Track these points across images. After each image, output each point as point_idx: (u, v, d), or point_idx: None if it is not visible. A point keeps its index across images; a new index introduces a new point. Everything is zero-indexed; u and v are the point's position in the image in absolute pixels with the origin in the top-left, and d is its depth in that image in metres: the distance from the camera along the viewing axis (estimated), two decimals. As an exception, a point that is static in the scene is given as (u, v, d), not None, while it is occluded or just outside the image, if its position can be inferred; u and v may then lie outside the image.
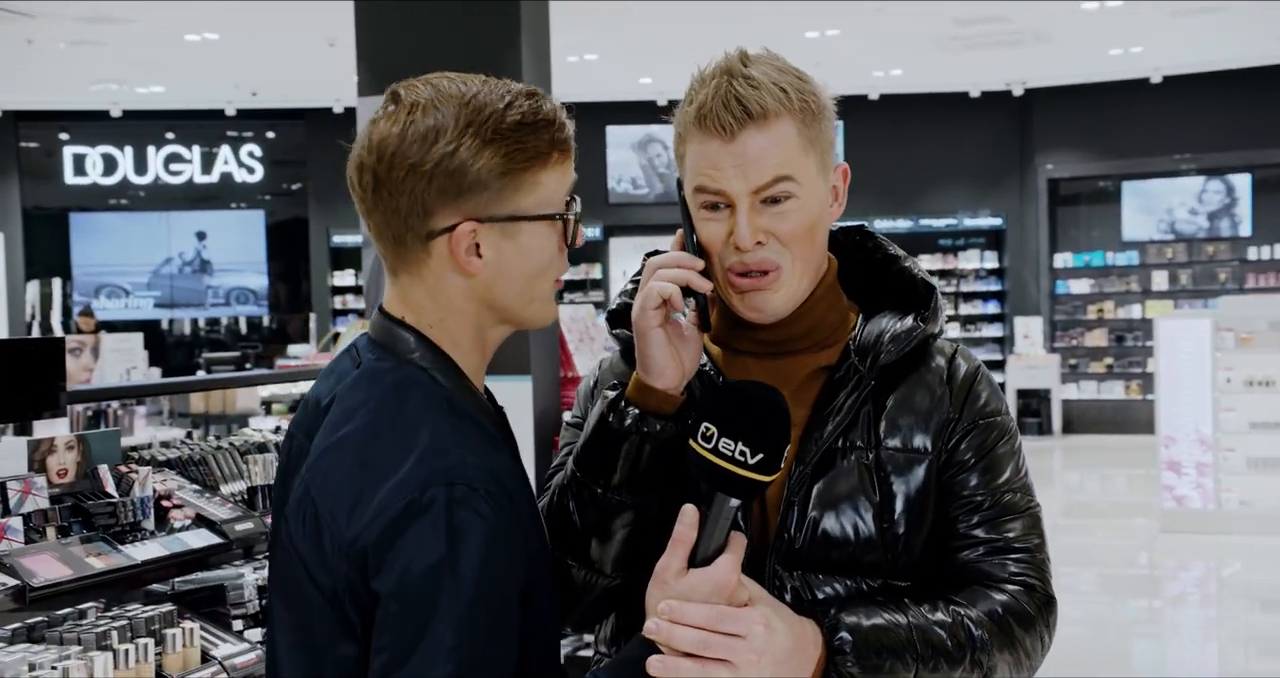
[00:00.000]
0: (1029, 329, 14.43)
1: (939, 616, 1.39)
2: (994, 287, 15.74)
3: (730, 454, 1.26)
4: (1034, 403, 14.14)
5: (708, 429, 1.28)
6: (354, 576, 1.21)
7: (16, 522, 2.59)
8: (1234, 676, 5.99)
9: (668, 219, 14.19)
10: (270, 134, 16.61)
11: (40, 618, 2.63)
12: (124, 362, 8.53)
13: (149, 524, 2.83)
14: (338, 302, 16.06)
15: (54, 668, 2.42)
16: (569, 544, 1.44)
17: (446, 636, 1.17)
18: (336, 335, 8.46)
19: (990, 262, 15.72)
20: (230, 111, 15.49)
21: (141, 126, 16.07)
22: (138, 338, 9.12)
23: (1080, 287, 15.16)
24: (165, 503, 2.92)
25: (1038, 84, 14.81)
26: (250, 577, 2.99)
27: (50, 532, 2.66)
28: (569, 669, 1.37)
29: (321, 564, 1.24)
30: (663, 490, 1.42)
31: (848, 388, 1.48)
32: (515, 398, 4.39)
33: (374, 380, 1.31)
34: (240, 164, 16.55)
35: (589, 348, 5.00)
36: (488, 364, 1.40)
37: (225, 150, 16.51)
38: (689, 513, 1.28)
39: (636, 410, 1.40)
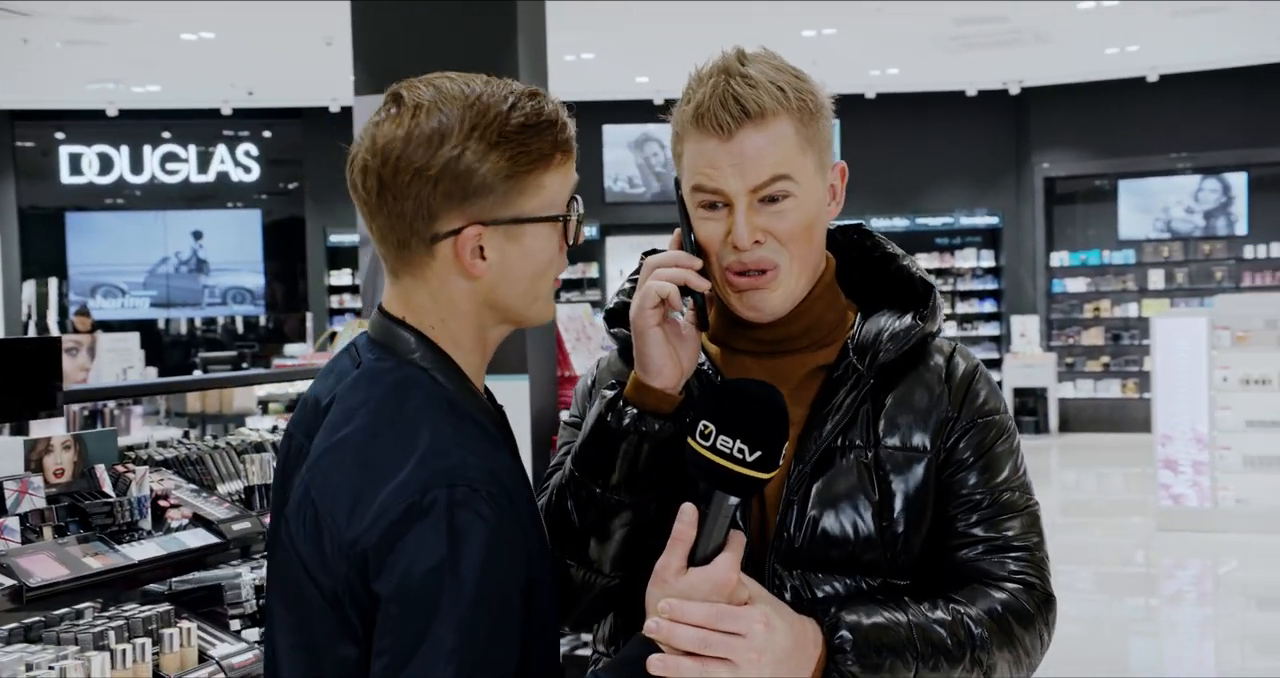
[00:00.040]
0: (1025, 328, 14.44)
1: (939, 614, 1.39)
2: (990, 285, 15.75)
3: (728, 452, 1.26)
4: (1030, 402, 14.15)
5: (705, 427, 1.27)
6: (354, 577, 1.21)
7: (13, 522, 2.58)
8: (1230, 673, 6.00)
9: (664, 218, 14.20)
10: (267, 133, 16.60)
11: (37, 618, 2.63)
12: (120, 361, 8.51)
13: (146, 524, 2.83)
14: (334, 301, 16.05)
15: (51, 668, 2.42)
16: (567, 544, 1.44)
17: (448, 638, 1.17)
18: (333, 335, 8.45)
19: (987, 260, 15.73)
20: (226, 111, 15.48)
21: (138, 126, 16.05)
22: (134, 337, 9.10)
23: (1077, 285, 15.17)
24: (162, 503, 2.91)
25: (1034, 83, 14.82)
26: (247, 576, 2.99)
27: (47, 532, 2.65)
28: (566, 668, 1.38)
29: (321, 565, 1.24)
30: (661, 490, 1.42)
31: (846, 387, 1.48)
32: (512, 397, 4.38)
33: (374, 381, 1.30)
34: (237, 163, 16.54)
35: (586, 347, 5.00)
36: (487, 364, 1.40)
37: (222, 150, 16.50)
38: (688, 512, 1.28)
39: (635, 410, 1.40)
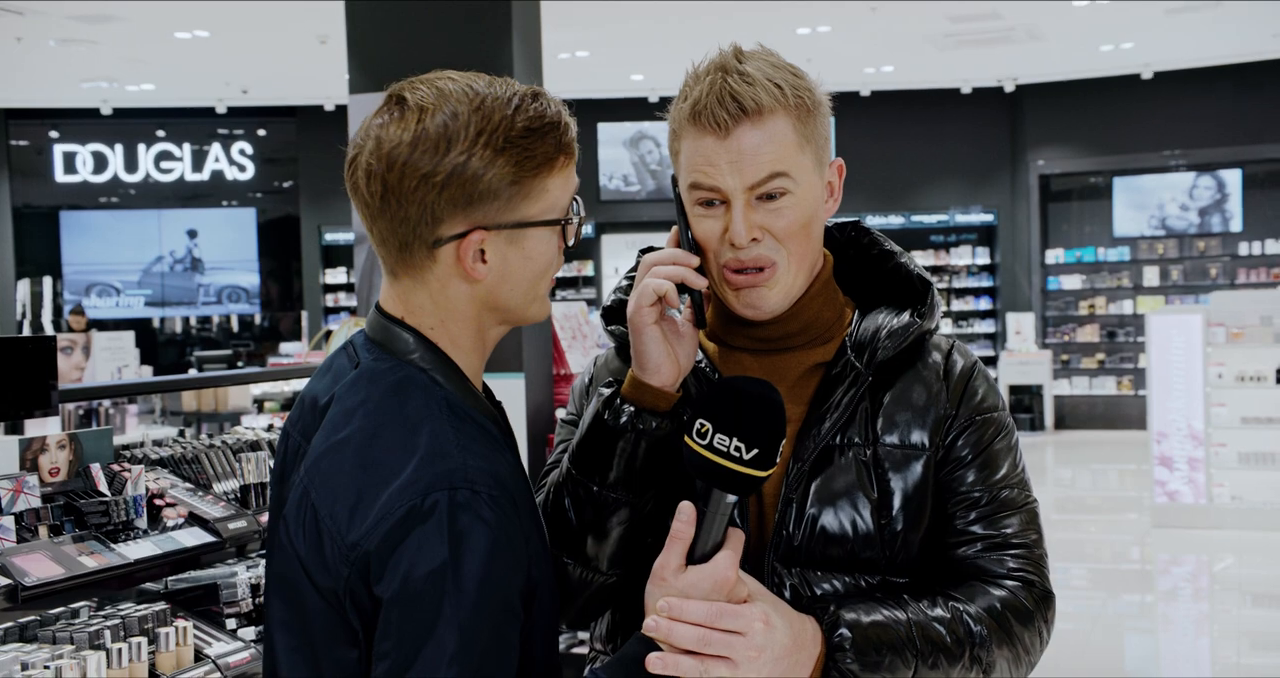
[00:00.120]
0: (1021, 325, 14.45)
1: (938, 612, 1.39)
2: (986, 283, 15.76)
3: (725, 450, 1.26)
4: (1026, 399, 14.17)
5: (702, 425, 1.27)
6: (355, 580, 1.21)
7: (8, 521, 2.58)
8: (1225, 670, 6.00)
9: (659, 216, 14.18)
10: (261, 132, 16.57)
11: (33, 617, 2.63)
12: (115, 360, 8.49)
13: (141, 523, 2.82)
14: (329, 299, 16.04)
15: (47, 668, 2.42)
16: (565, 542, 1.44)
17: (449, 641, 1.16)
18: (328, 333, 8.45)
19: (982, 258, 15.74)
20: (221, 109, 15.45)
21: (132, 124, 16.03)
22: (129, 336, 9.08)
23: (1072, 282, 15.19)
24: (158, 502, 2.91)
25: (1029, 80, 14.83)
26: (243, 575, 2.99)
27: (42, 531, 2.65)
28: (564, 666, 1.37)
29: (321, 567, 1.23)
30: (659, 488, 1.42)
31: (844, 384, 1.48)
32: (508, 395, 4.38)
33: (373, 381, 1.30)
34: (231, 162, 16.51)
35: (581, 345, 5.00)
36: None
37: (216, 148, 16.48)
38: (686, 510, 1.28)
39: (632, 408, 1.39)
